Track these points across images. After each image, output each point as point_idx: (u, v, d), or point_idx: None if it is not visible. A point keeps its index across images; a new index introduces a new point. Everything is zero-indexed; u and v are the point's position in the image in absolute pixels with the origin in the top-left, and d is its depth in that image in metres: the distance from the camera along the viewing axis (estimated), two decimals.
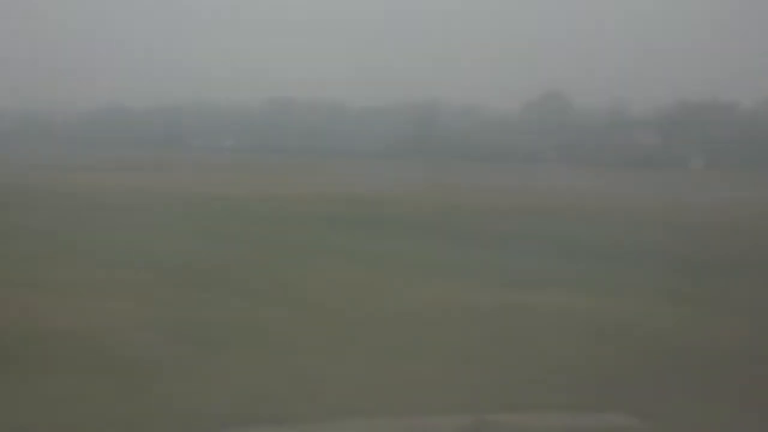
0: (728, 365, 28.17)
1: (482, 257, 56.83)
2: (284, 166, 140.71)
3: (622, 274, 49.99)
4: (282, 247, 60.86)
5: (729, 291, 44.81)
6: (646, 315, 37.84)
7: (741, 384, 25.34)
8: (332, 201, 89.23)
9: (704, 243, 67.54)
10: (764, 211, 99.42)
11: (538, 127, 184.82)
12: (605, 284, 45.98)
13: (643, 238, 69.82)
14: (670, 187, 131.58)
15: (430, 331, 33.82)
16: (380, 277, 48.44)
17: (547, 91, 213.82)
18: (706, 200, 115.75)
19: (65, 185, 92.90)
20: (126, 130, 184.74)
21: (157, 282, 44.75)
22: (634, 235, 70.34)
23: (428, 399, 24.23)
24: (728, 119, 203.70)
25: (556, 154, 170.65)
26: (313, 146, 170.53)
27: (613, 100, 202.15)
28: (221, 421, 21.89)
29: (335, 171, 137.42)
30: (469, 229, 73.16)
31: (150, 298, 39.52)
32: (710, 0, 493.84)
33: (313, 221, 77.19)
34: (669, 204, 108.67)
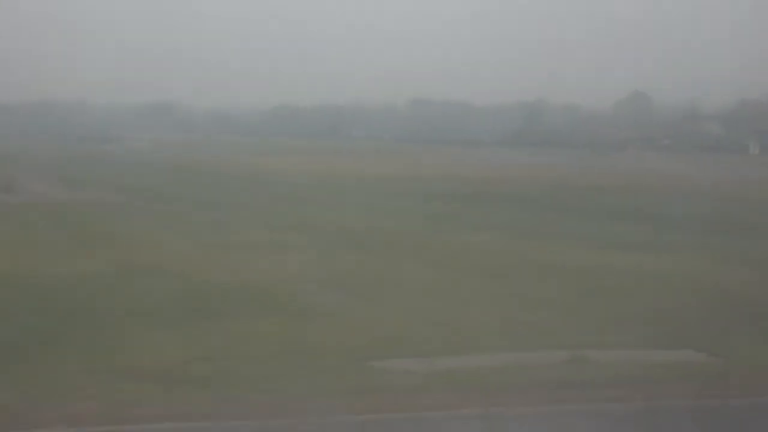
0: None
1: (584, 225, 59.45)
2: (424, 153, 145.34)
3: (699, 238, 51.81)
4: (422, 216, 64.47)
5: None
6: (722, 273, 39.69)
7: None
8: (462, 180, 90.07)
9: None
10: None
11: (626, 121, 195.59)
12: (686, 247, 47.69)
13: (715, 207, 71.74)
14: (733, 168, 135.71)
15: (540, 284, 36.34)
16: (501, 240, 51.50)
17: (633, 91, 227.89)
18: (764, 178, 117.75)
19: (250, 167, 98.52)
20: (298, 124, 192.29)
21: (320, 243, 48.10)
22: (708, 206, 72.15)
23: (536, 338, 26.60)
24: None
25: (641, 143, 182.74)
26: (446, 137, 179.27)
27: (686, 98, 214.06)
28: (370, 353, 24.70)
29: (464, 157, 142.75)
30: (572, 202, 76.78)
31: (313, 256, 43.06)
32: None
33: (448, 195, 79.83)
34: (735, 180, 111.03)
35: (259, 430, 19.16)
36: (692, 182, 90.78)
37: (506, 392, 21.22)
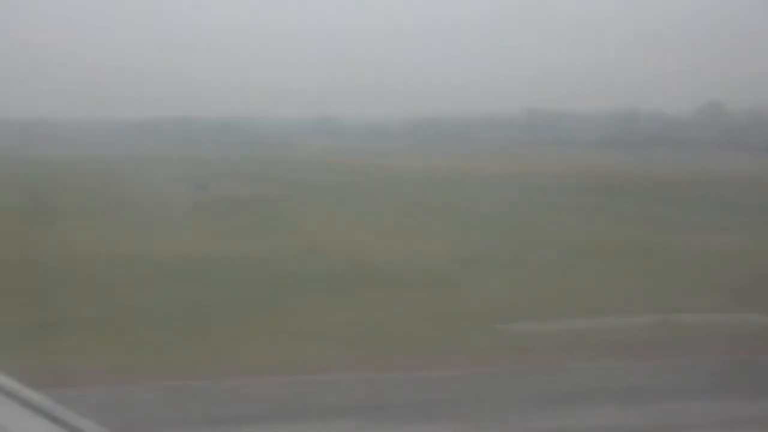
0: None
1: (669, 212, 60.16)
2: (537, 154, 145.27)
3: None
4: (540, 205, 66.53)
5: None
6: None
7: None
8: (570, 175, 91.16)
9: None
10: None
11: (705, 126, 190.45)
12: (754, 230, 48.98)
13: None
14: None
15: (632, 259, 39.26)
16: (603, 223, 53.98)
17: (709, 100, 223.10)
18: None
19: (400, 168, 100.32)
20: (436, 133, 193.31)
21: (461, 228, 51.36)
22: None
23: (624, 304, 29.53)
24: None
25: (717, 144, 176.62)
26: (555, 140, 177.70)
27: (754, 106, 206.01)
28: (493, 320, 27.78)
29: (571, 157, 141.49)
30: (661, 192, 78.67)
31: (443, 238, 45.85)
32: None
33: (562, 187, 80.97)
34: None
35: (404, 381, 22.09)
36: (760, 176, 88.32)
37: (607, 348, 24.49)
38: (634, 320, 27.42)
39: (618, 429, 19.09)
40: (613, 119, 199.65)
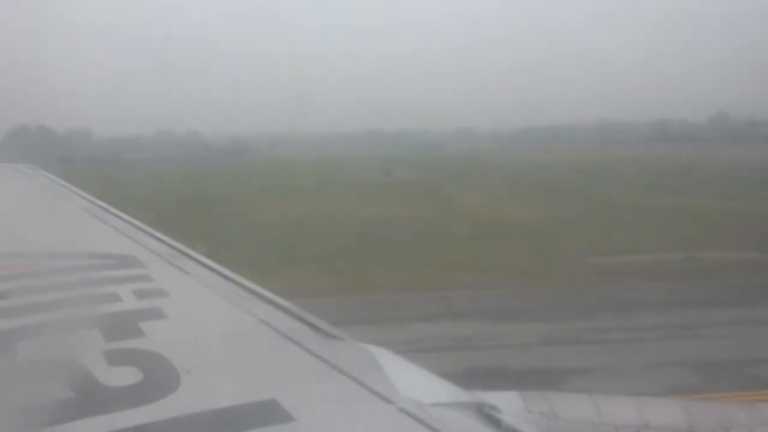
0: None
1: (696, 185, 55.04)
2: (608, 150, 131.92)
3: None
4: (615, 182, 60.01)
5: None
6: None
7: None
8: (629, 162, 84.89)
9: None
10: None
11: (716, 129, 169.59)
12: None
13: None
14: None
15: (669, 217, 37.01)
16: (649, 193, 49.88)
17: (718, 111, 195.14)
18: None
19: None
20: (536, 137, 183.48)
21: (542, 197, 49.31)
22: None
23: (665, 246, 28.78)
24: None
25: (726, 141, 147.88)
26: (616, 141, 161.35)
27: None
28: (574, 256, 28.14)
29: (627, 151, 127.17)
30: (690, 173, 68.47)
31: (544, 205, 44.23)
32: None
33: (628, 170, 73.85)
34: None
35: (512, 296, 22.11)
36: None
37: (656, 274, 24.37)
38: (672, 256, 27.08)
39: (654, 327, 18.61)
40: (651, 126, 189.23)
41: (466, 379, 2.95)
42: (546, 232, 33.72)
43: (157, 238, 6.31)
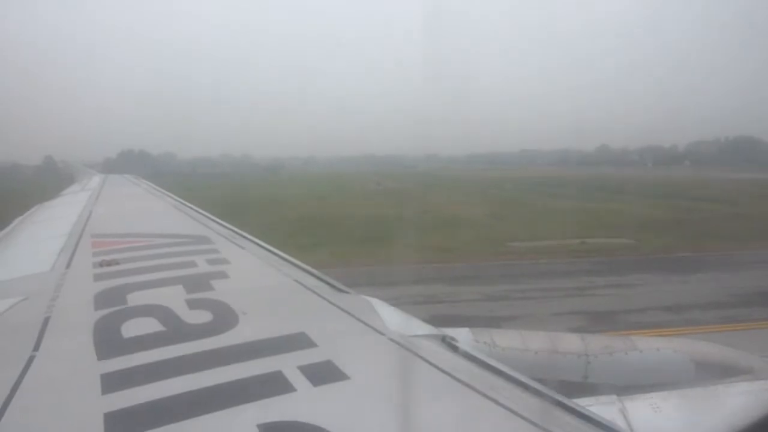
0: None
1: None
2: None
3: None
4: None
5: None
6: None
7: None
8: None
9: None
10: None
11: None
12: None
13: None
14: None
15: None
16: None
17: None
18: None
19: None
20: (499, 160, 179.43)
21: (491, 202, 48.93)
22: None
23: (565, 234, 28.04)
24: None
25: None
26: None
27: None
28: (504, 240, 27.87)
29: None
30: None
31: (491, 206, 44.06)
32: None
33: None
34: None
35: (468, 267, 22.29)
36: None
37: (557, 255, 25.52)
38: (571, 241, 26.95)
39: (557, 289, 18.40)
40: (557, 153, 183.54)
41: (433, 320, 2.90)
42: (482, 224, 33.59)
43: (221, 224, 6.31)
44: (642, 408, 2.69)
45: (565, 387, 2.68)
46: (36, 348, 2.34)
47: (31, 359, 2.20)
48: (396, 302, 3.33)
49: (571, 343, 3.66)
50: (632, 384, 3.28)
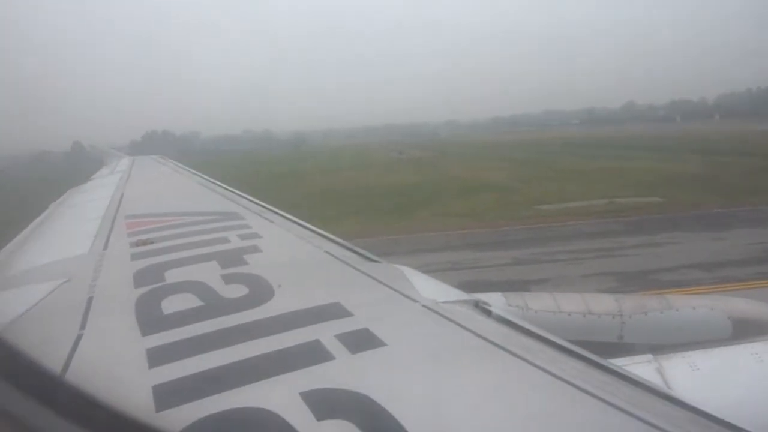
0: None
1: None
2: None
3: None
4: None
5: None
6: None
7: None
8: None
9: None
10: None
11: None
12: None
13: None
14: None
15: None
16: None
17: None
18: None
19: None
20: (522, 122, 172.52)
21: (512, 165, 48.21)
22: None
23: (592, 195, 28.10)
24: None
25: None
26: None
27: None
28: (533, 203, 27.61)
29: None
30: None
31: (512, 170, 43.03)
32: None
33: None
34: None
35: (492, 233, 21.66)
36: None
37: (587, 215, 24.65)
38: (598, 202, 26.52)
39: (586, 250, 18.32)
40: (581, 112, 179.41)
41: (465, 287, 2.90)
42: (508, 188, 33.01)
43: (250, 200, 6.38)
44: (679, 366, 2.68)
45: (601, 348, 2.66)
46: (83, 327, 2.40)
47: (79, 338, 2.27)
48: (425, 270, 3.34)
49: (604, 303, 3.64)
50: (668, 343, 3.26)
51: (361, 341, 2.09)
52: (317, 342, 2.10)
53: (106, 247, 4.17)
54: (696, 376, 2.72)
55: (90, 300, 2.82)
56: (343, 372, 1.88)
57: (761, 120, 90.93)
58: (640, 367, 2.70)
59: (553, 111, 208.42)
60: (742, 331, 3.36)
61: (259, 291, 2.75)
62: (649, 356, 2.88)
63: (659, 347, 3.16)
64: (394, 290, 2.75)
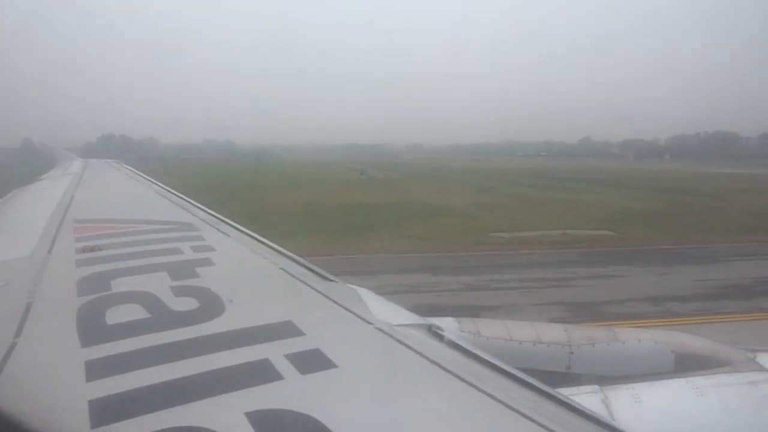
0: None
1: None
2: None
3: None
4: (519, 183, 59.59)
5: None
6: None
7: None
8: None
9: None
10: None
11: None
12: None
13: None
14: None
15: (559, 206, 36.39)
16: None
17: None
18: None
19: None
20: (481, 151, 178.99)
21: (473, 191, 48.25)
22: None
23: (547, 226, 28.46)
24: None
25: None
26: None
27: None
28: (490, 231, 27.86)
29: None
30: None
31: (473, 196, 43.06)
32: None
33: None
34: None
35: (450, 257, 22.25)
36: None
37: (538, 245, 25.38)
38: (552, 232, 27.19)
39: (539, 279, 18.50)
40: (540, 144, 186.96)
41: (418, 310, 2.90)
42: (467, 215, 33.38)
43: (205, 211, 6.25)
44: (623, 398, 2.73)
45: (549, 377, 2.69)
46: (18, 334, 2.29)
47: (13, 345, 2.16)
48: (378, 291, 3.33)
49: (554, 333, 3.69)
50: (614, 374, 3.32)
51: (312, 362, 2.05)
52: (266, 361, 2.05)
53: (50, 251, 3.97)
54: (639, 407, 2.78)
55: (29, 306, 2.68)
56: (291, 393, 1.84)
57: (708, 162, 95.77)
58: (586, 397, 2.74)
59: (512, 141, 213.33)
60: (684, 364, 3.46)
61: (210, 305, 2.67)
62: (596, 387, 2.93)
63: (605, 378, 3.22)
64: (348, 311, 2.72)
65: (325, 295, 2.98)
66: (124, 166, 15.64)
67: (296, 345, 2.22)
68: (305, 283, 3.25)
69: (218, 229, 5.09)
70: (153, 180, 10.56)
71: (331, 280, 3.37)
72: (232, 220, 5.62)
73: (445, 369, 2.13)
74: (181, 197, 7.65)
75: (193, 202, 7.05)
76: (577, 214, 33.40)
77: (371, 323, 2.57)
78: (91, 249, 3.93)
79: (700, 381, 2.93)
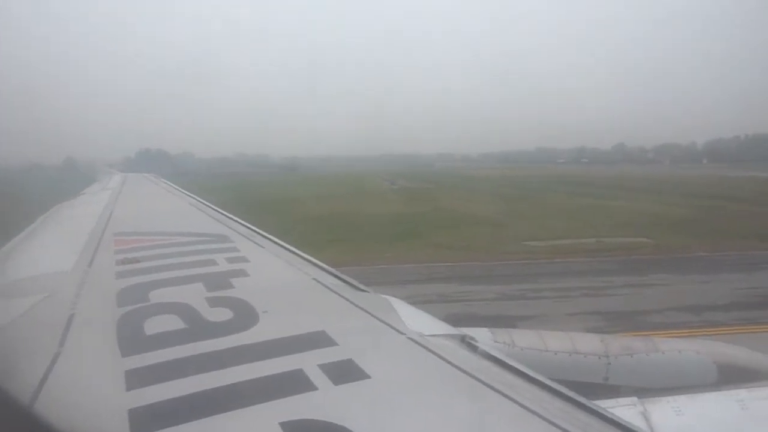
0: None
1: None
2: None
3: None
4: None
5: None
6: None
7: None
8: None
9: None
10: None
11: None
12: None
13: None
14: None
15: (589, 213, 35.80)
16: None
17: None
18: None
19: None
20: (514, 158, 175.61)
21: (504, 200, 48.75)
22: None
23: (582, 233, 28.13)
24: None
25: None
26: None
27: None
28: (522, 239, 27.49)
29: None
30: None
31: (503, 205, 42.83)
32: None
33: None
34: None
35: (479, 266, 21.98)
36: None
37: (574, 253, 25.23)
38: (586, 240, 26.69)
39: (573, 288, 18.17)
40: (573, 151, 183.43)
41: (451, 320, 2.88)
42: (499, 223, 32.94)
43: (240, 223, 6.34)
44: (664, 411, 2.65)
45: (585, 388, 2.63)
46: (61, 344, 2.35)
47: (56, 355, 2.22)
48: (411, 301, 3.31)
49: (590, 343, 3.62)
50: (653, 386, 3.23)
51: (345, 372, 2.06)
52: (300, 371, 2.07)
53: (91, 263, 4.09)
54: (681, 421, 2.69)
55: (71, 317, 2.76)
56: (324, 403, 1.85)
57: (748, 166, 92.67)
58: (624, 409, 2.67)
59: (545, 148, 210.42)
60: (727, 376, 3.34)
61: (244, 316, 2.71)
62: (634, 399, 2.85)
63: (644, 390, 3.13)
64: (381, 321, 2.72)
65: (358, 306, 2.98)
66: (162, 180, 16.01)
67: (329, 355, 2.23)
68: (338, 294, 3.26)
69: (252, 241, 5.16)
70: (187, 192, 10.78)
71: (364, 291, 3.38)
72: (264, 230, 5.69)
73: (478, 380, 2.11)
74: (215, 209, 7.79)
75: (226, 214, 7.16)
76: (612, 221, 32.86)
77: (404, 333, 2.56)
78: (130, 261, 4.04)
79: (744, 394, 2.82)
